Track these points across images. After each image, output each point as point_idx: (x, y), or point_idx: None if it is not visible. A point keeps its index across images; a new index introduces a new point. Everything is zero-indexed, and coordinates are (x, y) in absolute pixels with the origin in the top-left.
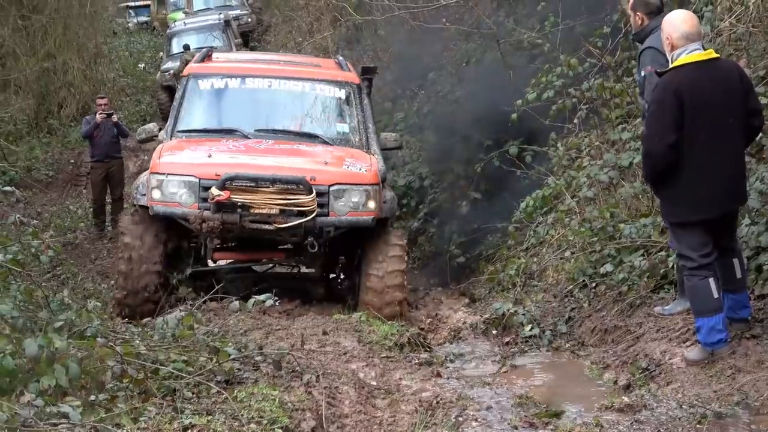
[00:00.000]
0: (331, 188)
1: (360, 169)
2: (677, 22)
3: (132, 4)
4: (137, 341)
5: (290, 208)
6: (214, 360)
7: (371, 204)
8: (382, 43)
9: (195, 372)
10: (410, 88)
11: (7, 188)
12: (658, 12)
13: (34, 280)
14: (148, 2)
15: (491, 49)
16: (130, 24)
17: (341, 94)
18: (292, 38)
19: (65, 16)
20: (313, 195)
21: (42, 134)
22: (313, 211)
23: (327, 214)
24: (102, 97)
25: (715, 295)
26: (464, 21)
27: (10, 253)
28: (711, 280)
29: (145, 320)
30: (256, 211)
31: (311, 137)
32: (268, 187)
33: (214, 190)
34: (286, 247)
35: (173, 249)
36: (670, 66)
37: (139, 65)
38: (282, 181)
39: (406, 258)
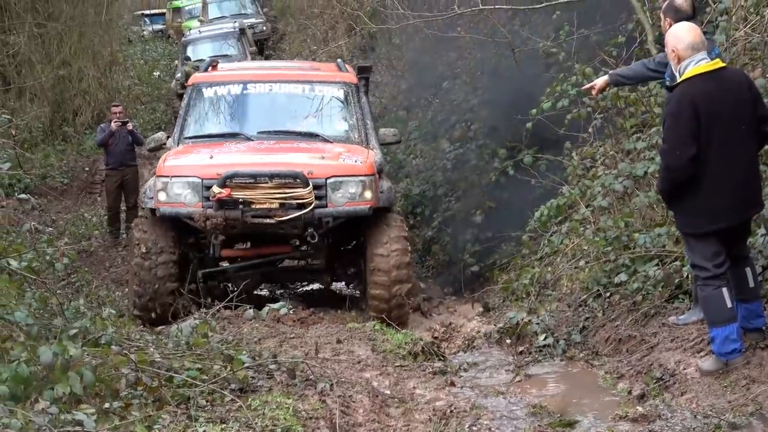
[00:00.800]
0: (328, 180)
1: (356, 162)
2: (681, 33)
3: (147, 12)
4: (152, 349)
5: (289, 201)
6: (229, 368)
7: (368, 194)
8: (396, 51)
9: (209, 380)
10: (425, 96)
11: (23, 196)
12: (688, 19)
13: (49, 288)
14: (164, 10)
15: (506, 57)
16: (145, 32)
17: (339, 93)
18: (307, 46)
19: (81, 24)
20: (310, 188)
21: (57, 142)
22: (312, 203)
23: (326, 206)
24: (117, 105)
25: (729, 305)
26: (479, 30)
27: (25, 260)
28: (724, 290)
29: (159, 328)
30: (257, 206)
31: (312, 136)
32: (266, 182)
33: (216, 188)
34: (291, 242)
35: (184, 252)
36: (679, 79)
37: (154, 73)
38: (280, 176)
39: (407, 240)
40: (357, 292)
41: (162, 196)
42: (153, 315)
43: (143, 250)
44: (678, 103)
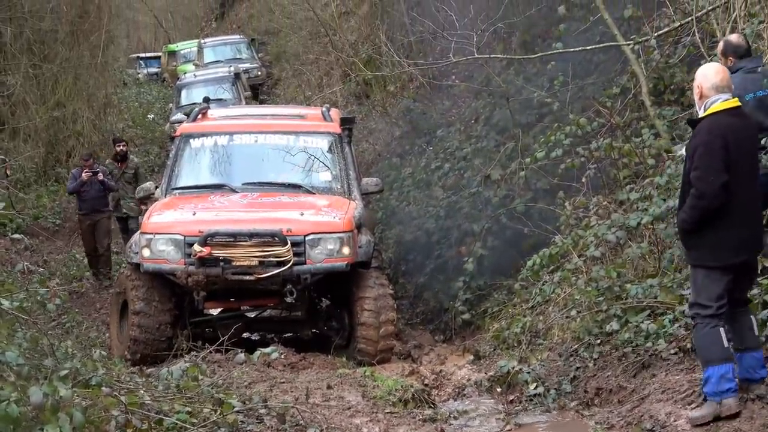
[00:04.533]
0: (307, 238)
1: (334, 218)
2: (709, 74)
3: (143, 55)
4: (142, 391)
5: (268, 259)
6: (219, 412)
7: (345, 250)
8: (391, 98)
9: (199, 423)
10: (418, 144)
11: (17, 236)
12: (747, 54)
13: (41, 328)
14: (159, 54)
15: (500, 107)
16: (140, 75)
17: (323, 144)
18: (302, 92)
19: (76, 65)
20: (288, 246)
21: (50, 183)
22: (290, 261)
23: (304, 262)
24: (87, 159)
25: (725, 345)
26: (474, 78)
27: (17, 300)
28: (722, 329)
29: (149, 370)
30: (237, 263)
31: (295, 188)
32: (246, 240)
33: (197, 247)
34: (273, 293)
35: (176, 301)
36: (703, 114)
37: (149, 116)
38: (258, 234)
39: (393, 297)
40: (341, 341)
41: (146, 252)
42: (147, 360)
43: (142, 299)
44: (708, 133)
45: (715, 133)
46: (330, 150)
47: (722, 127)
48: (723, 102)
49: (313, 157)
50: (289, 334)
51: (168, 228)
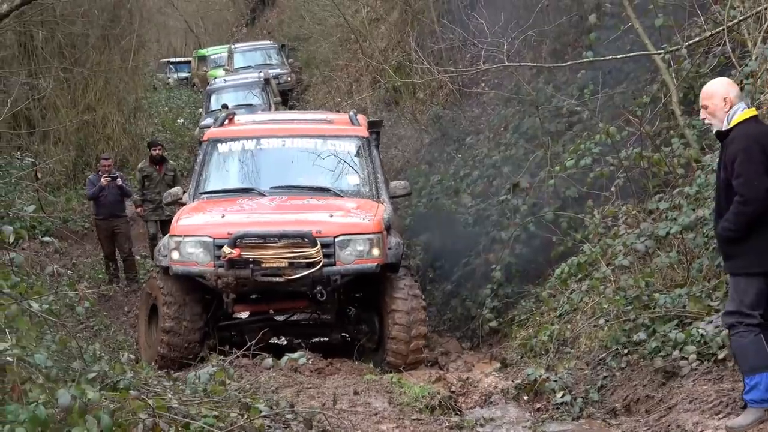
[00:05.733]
0: (336, 239)
1: (363, 219)
2: (729, 85)
3: (173, 60)
4: (169, 395)
5: (298, 260)
6: (245, 416)
7: (375, 251)
8: (420, 105)
9: (226, 428)
10: (447, 151)
11: (47, 239)
12: None
13: (69, 331)
14: (189, 59)
15: (530, 114)
16: (170, 79)
17: (351, 147)
18: (331, 98)
19: (107, 70)
20: (318, 247)
21: (79, 186)
22: (320, 262)
23: (334, 264)
24: (106, 158)
25: None
26: (503, 86)
27: (46, 303)
28: (762, 336)
29: (176, 374)
30: (267, 265)
31: (323, 191)
32: (275, 242)
33: (226, 249)
34: (302, 296)
35: (206, 304)
36: (730, 124)
37: (178, 120)
38: (288, 236)
39: (422, 298)
40: (371, 345)
41: (175, 255)
42: (177, 365)
43: (173, 303)
44: (745, 139)
45: (752, 139)
46: (358, 153)
47: (756, 134)
48: (747, 110)
49: (341, 161)
50: (318, 339)
51: (197, 230)
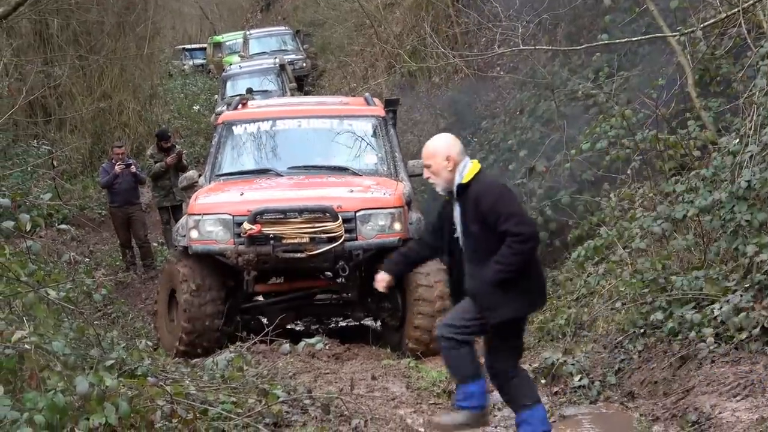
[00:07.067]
0: (357, 213)
1: (384, 194)
2: (452, 142)
3: (188, 46)
4: (187, 381)
5: (319, 235)
6: (263, 402)
7: (397, 226)
8: (436, 90)
9: (244, 413)
10: (463, 135)
11: (63, 226)
12: None
13: (87, 318)
14: (204, 45)
15: (545, 98)
16: (185, 66)
17: (367, 127)
18: (347, 83)
19: (122, 57)
20: (339, 221)
21: (95, 173)
22: (341, 237)
23: (355, 239)
24: (120, 146)
25: None
26: (519, 70)
27: (63, 290)
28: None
29: (194, 360)
30: (288, 241)
31: (341, 170)
32: (296, 217)
33: (246, 225)
34: (323, 275)
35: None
36: (466, 177)
37: (194, 107)
38: (309, 210)
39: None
40: (394, 322)
41: (194, 234)
42: (199, 351)
43: (193, 287)
44: (497, 184)
45: (500, 183)
46: (375, 133)
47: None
48: (475, 162)
49: (359, 140)
50: (337, 321)
51: (216, 208)
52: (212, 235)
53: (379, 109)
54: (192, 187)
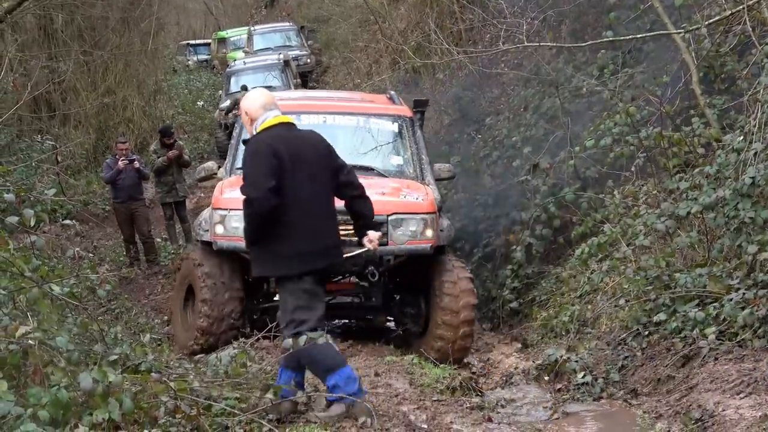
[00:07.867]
0: (390, 218)
1: (417, 199)
2: (255, 99)
3: (192, 42)
4: (191, 377)
5: (350, 238)
6: (267, 398)
7: (429, 232)
8: (440, 86)
9: (247, 409)
10: (467, 132)
11: (67, 222)
12: None
13: (90, 314)
14: (209, 41)
15: (549, 95)
16: (190, 62)
17: (394, 127)
18: (351, 80)
19: (126, 52)
20: None
21: (100, 169)
22: None
23: (386, 243)
24: (123, 142)
25: None
26: (523, 67)
27: (67, 286)
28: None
29: (197, 356)
30: None
31: (367, 170)
32: None
33: None
34: (349, 279)
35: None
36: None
37: (198, 103)
38: (341, 211)
39: (473, 281)
40: (417, 328)
41: (219, 229)
42: (220, 342)
43: (214, 284)
44: (255, 143)
45: (263, 143)
46: (401, 134)
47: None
48: (273, 118)
49: (386, 141)
50: (354, 321)
51: None
52: (238, 232)
53: (406, 108)
54: (210, 178)
